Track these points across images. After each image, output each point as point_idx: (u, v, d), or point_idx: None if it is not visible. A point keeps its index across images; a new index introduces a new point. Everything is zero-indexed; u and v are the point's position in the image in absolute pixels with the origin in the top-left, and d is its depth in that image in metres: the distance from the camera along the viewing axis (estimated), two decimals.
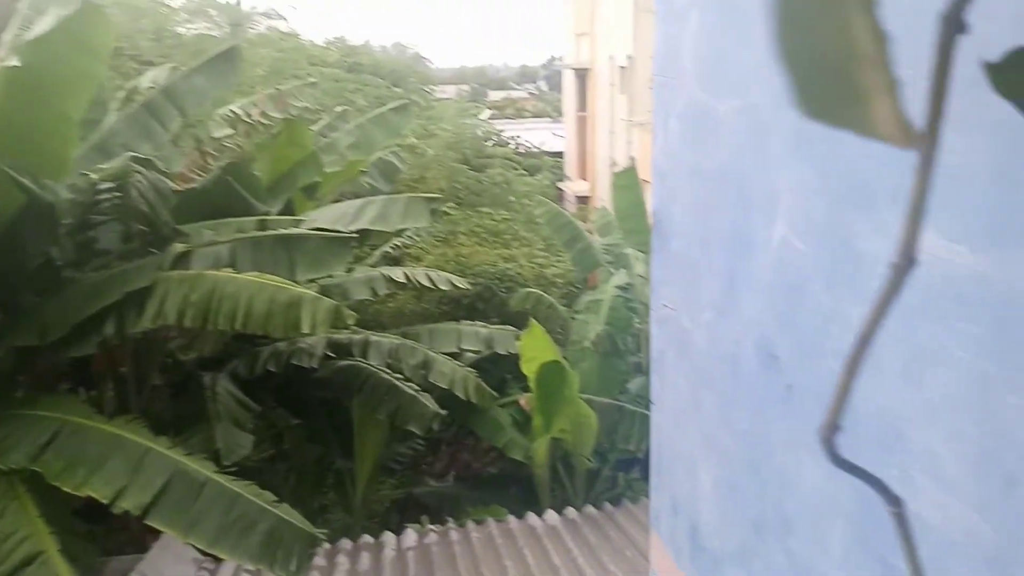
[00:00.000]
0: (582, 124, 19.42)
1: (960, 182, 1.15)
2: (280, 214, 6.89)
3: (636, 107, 14.18)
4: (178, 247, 5.63)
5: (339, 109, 8.87)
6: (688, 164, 2.90)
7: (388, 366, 6.93)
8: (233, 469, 4.88)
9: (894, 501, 0.65)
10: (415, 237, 9.31)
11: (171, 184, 5.97)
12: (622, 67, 15.38)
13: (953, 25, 0.27)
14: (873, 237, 1.50)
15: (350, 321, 5.17)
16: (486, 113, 22.69)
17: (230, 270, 5.29)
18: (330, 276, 6.48)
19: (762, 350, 2.26)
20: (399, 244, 9.06)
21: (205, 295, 4.98)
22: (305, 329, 4.87)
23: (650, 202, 3.52)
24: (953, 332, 1.39)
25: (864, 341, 0.35)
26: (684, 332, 3.10)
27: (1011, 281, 1.24)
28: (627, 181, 8.38)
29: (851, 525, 1.66)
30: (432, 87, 21.41)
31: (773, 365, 2.20)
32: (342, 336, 6.93)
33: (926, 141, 0.30)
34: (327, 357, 6.95)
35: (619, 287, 8.03)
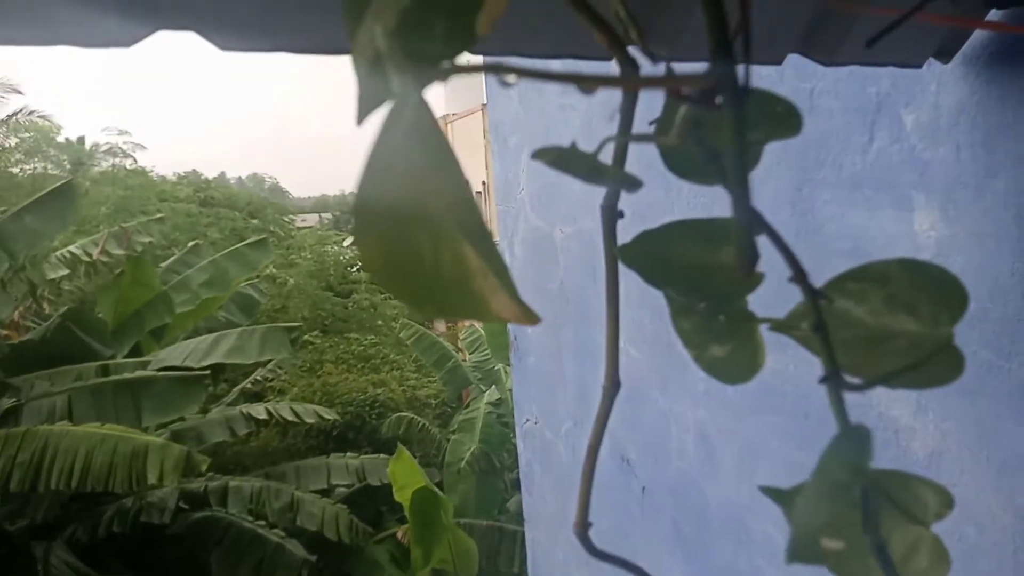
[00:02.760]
0: None
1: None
2: (127, 358, 6.46)
3: (495, 229, 14.78)
4: (4, 402, 5.10)
5: (191, 243, 8.62)
6: (535, 283, 3.05)
7: (250, 512, 6.44)
8: None
9: None
10: (277, 370, 8.97)
11: (1, 333, 5.48)
12: (478, 192, 16.15)
13: (611, 214, 0.35)
14: None
15: (204, 467, 4.82)
16: (349, 239, 22.78)
17: (66, 423, 4.84)
18: (182, 419, 6.06)
19: (616, 454, 2.34)
20: (260, 379, 8.68)
21: (35, 453, 4.50)
22: (152, 480, 4.49)
23: None
24: (770, 427, 1.52)
25: (592, 452, 0.40)
26: (548, 444, 3.15)
27: (807, 377, 1.40)
28: None
29: None
30: (292, 217, 21.34)
31: (627, 469, 2.28)
32: (197, 484, 6.41)
33: (610, 299, 0.36)
34: (180, 510, 6.37)
35: (491, 403, 8.05)
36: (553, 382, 2.84)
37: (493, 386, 8.39)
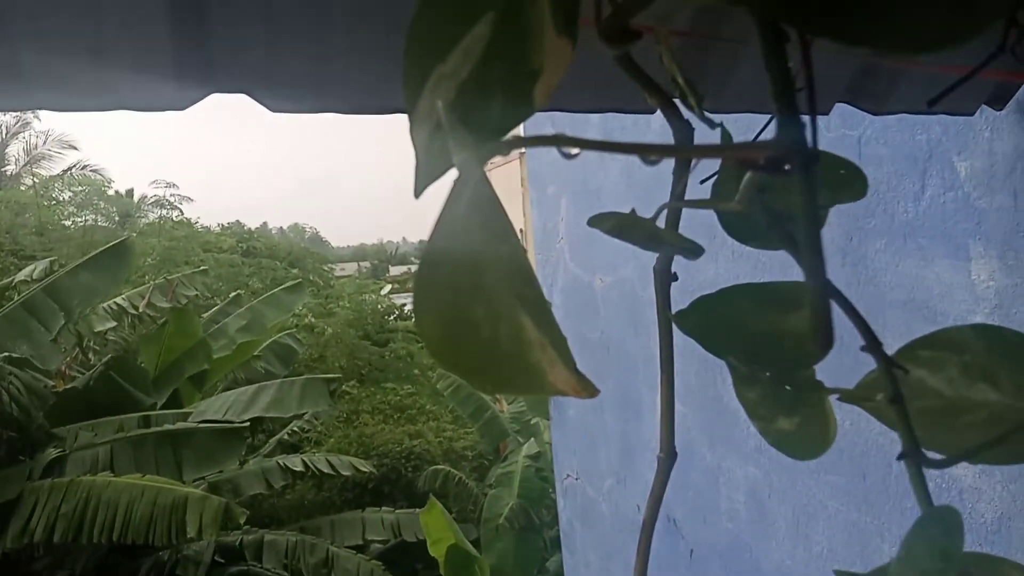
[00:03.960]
0: None
1: None
2: (166, 406, 6.54)
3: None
4: (51, 452, 5.19)
5: (233, 294, 8.80)
6: (574, 333, 3.02)
7: (285, 568, 6.38)
8: None
9: None
10: (314, 420, 9.00)
11: (49, 383, 5.61)
12: None
13: (665, 278, 0.33)
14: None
15: (242, 520, 4.81)
16: (387, 288, 23.05)
17: (108, 474, 4.90)
18: (220, 471, 6.08)
19: (663, 514, 2.26)
20: (297, 429, 8.71)
21: (79, 504, 4.55)
22: (191, 533, 4.49)
23: None
24: (826, 486, 1.45)
25: (648, 527, 0.37)
26: (589, 501, 3.07)
27: (870, 431, 1.34)
28: None
29: None
30: (331, 266, 21.72)
31: (674, 530, 2.20)
32: (233, 538, 6.39)
33: (665, 372, 0.35)
34: (216, 564, 6.35)
35: (529, 456, 7.92)
36: (594, 436, 2.78)
37: (532, 439, 8.27)
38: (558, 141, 0.24)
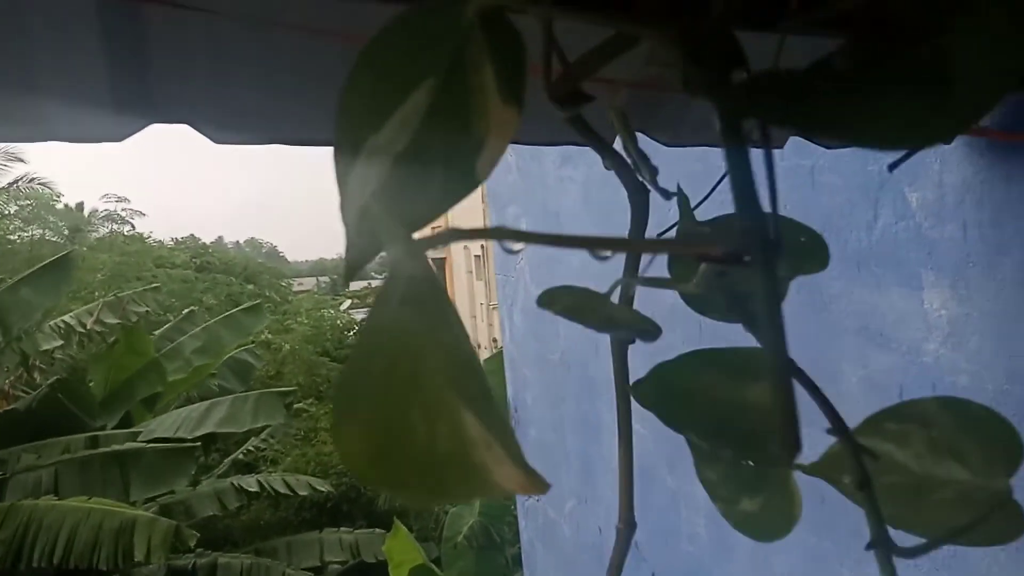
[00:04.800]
0: None
1: None
2: (116, 428, 6.33)
3: (493, 292, 14.81)
4: None
5: (186, 311, 8.57)
6: (535, 353, 3.01)
7: None
8: None
9: None
10: (270, 439, 8.79)
11: None
12: (476, 256, 16.22)
13: (621, 347, 0.31)
14: None
15: (192, 542, 4.66)
16: (346, 303, 22.78)
17: (52, 497, 4.70)
18: (171, 492, 5.90)
19: None
20: (253, 448, 8.50)
21: (19, 528, 4.35)
22: (139, 557, 4.33)
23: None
24: None
25: None
26: (550, 522, 3.05)
27: None
28: (494, 366, 8.47)
29: None
30: (288, 281, 21.38)
31: (635, 552, 2.18)
32: (185, 561, 6.19)
33: (623, 439, 0.33)
34: None
35: None
36: (555, 457, 2.76)
37: None
38: (499, 234, 0.22)
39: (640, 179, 0.33)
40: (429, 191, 0.26)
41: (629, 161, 0.32)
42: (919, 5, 0.18)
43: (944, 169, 1.23)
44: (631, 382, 0.36)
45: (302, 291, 23.99)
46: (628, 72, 0.60)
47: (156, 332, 7.96)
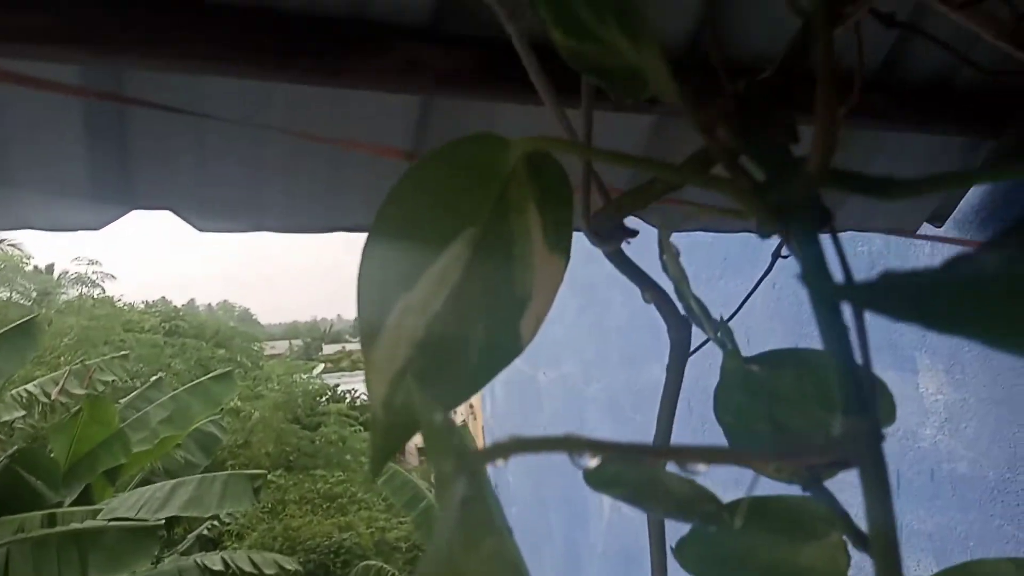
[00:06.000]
0: None
1: None
2: (77, 502, 6.04)
3: None
4: None
5: (154, 377, 8.34)
6: (516, 427, 2.93)
7: None
8: None
9: None
10: (235, 514, 8.46)
11: None
12: None
13: (660, 527, 0.28)
14: None
15: None
16: (319, 368, 22.40)
17: None
18: (132, 573, 5.60)
19: None
20: (217, 523, 8.16)
21: None
22: None
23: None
24: None
25: None
26: None
27: None
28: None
29: None
30: (261, 345, 21.03)
31: None
32: None
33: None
34: None
35: None
36: (538, 538, 2.66)
37: None
38: (569, 445, 0.18)
39: (682, 314, 0.30)
40: (467, 359, 0.23)
41: (678, 302, 0.29)
42: None
43: (935, 252, 1.23)
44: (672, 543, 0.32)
45: (274, 355, 23.60)
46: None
47: (122, 400, 7.71)
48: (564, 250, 0.24)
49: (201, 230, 0.81)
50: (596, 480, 0.23)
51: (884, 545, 0.20)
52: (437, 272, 0.23)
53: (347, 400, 16.59)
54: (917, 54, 0.94)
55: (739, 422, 0.30)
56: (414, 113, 0.77)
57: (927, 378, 1.28)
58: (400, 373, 0.22)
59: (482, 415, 3.45)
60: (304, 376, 17.17)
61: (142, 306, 18.57)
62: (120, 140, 0.74)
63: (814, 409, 0.32)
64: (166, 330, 15.92)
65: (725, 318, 0.37)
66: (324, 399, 15.75)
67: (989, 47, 0.73)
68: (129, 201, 0.80)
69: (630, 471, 0.24)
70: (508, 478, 2.98)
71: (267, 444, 12.04)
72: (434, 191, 0.24)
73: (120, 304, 17.09)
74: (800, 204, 0.21)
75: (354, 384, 19.60)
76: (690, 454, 0.19)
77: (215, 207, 0.79)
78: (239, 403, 12.63)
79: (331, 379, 19.62)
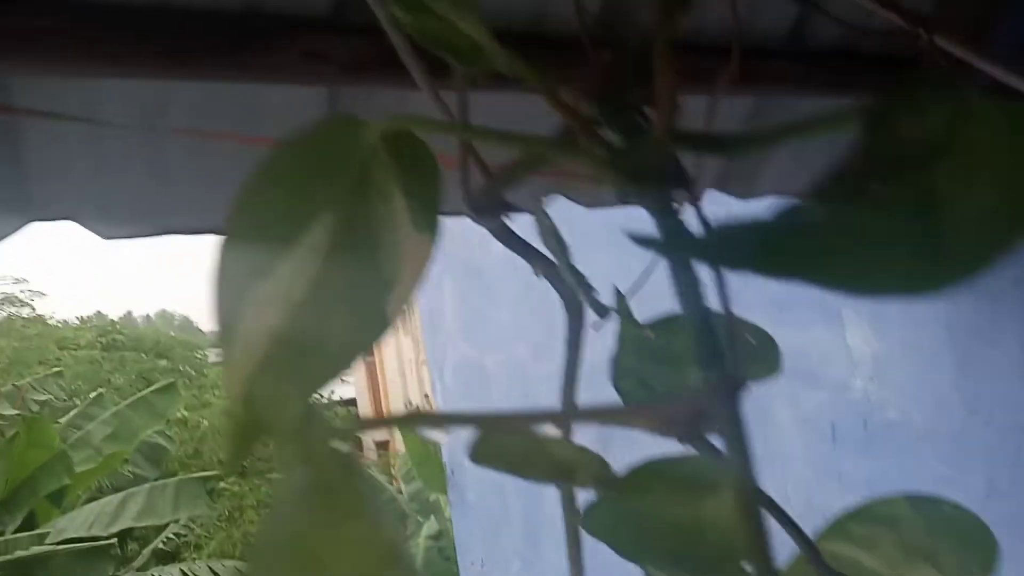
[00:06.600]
0: (371, 369, 19.48)
1: None
2: (20, 529, 5.81)
3: (421, 348, 14.60)
4: None
5: (93, 394, 8.05)
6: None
7: None
8: None
9: None
10: (192, 523, 8.27)
11: None
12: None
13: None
14: None
15: None
16: None
17: None
18: None
19: None
20: (173, 535, 7.96)
21: None
22: None
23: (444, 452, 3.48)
24: None
25: None
26: None
27: None
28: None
29: None
30: (204, 352, 20.49)
31: None
32: None
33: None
34: None
35: (430, 537, 7.61)
36: (497, 520, 2.67)
37: (431, 516, 7.97)
38: (417, 421, 0.18)
39: (574, 293, 0.30)
40: (331, 343, 0.22)
41: (564, 273, 0.29)
42: (902, 138, 0.15)
43: None
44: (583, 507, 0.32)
45: (220, 361, 23.00)
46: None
47: (62, 419, 7.43)
48: (431, 229, 0.24)
49: (106, 238, 0.79)
50: (479, 455, 0.23)
51: (743, 492, 0.20)
52: (294, 261, 0.22)
53: None
54: (823, 21, 0.96)
55: (634, 387, 0.30)
56: (321, 105, 0.75)
57: (853, 332, 1.33)
58: (259, 367, 0.22)
59: (435, 403, 3.44)
60: None
61: (76, 322, 17.88)
62: (13, 151, 0.71)
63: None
64: (103, 344, 15.35)
65: (622, 289, 0.37)
66: None
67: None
68: (26, 212, 0.76)
69: (513, 442, 0.24)
70: (463, 463, 2.99)
71: (219, 452, 11.77)
72: (289, 178, 0.24)
73: (52, 322, 16.44)
74: (652, 167, 0.21)
75: None
76: (554, 416, 0.19)
77: (119, 213, 0.76)
78: (186, 413, 12.28)
79: None
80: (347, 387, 22.09)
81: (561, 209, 1.30)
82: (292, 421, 0.19)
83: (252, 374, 0.22)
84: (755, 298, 1.42)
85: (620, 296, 0.32)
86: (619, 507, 0.31)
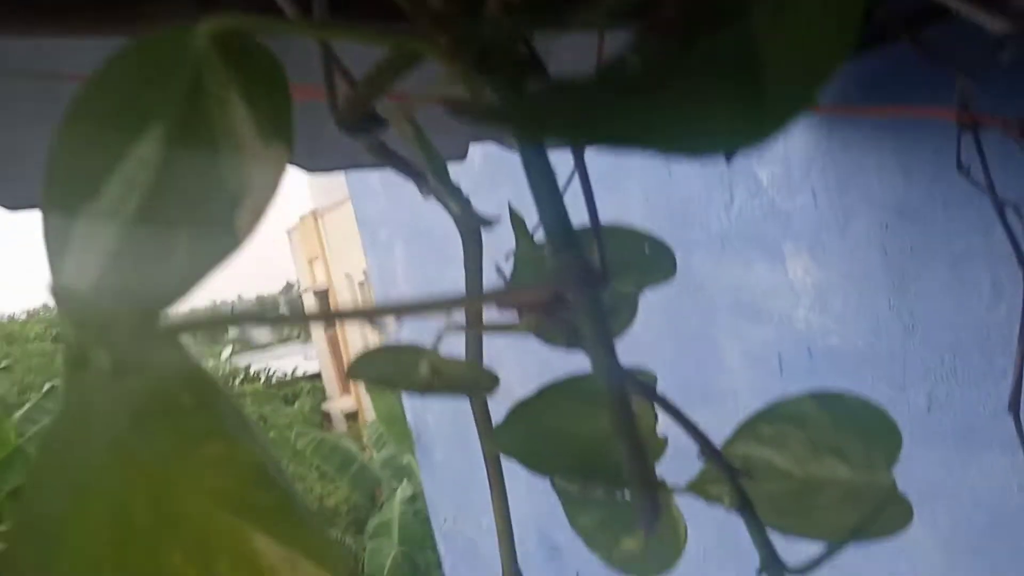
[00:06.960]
0: (334, 341, 19.35)
1: None
2: None
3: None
4: None
5: (47, 387, 7.85)
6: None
7: None
8: None
9: None
10: None
11: None
12: (360, 283, 15.86)
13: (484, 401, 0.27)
14: None
15: None
16: (227, 350, 21.63)
17: None
18: None
19: (544, 543, 2.23)
20: None
21: None
22: None
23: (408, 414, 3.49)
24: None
25: None
26: (470, 542, 2.99)
27: None
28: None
29: None
30: None
31: (557, 556, 2.17)
32: None
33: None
34: None
35: (405, 501, 7.68)
36: (464, 476, 2.70)
37: (405, 480, 8.03)
38: (293, 320, 0.17)
39: (461, 206, 0.29)
40: (174, 260, 0.21)
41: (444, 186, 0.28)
42: None
43: (788, 144, 1.28)
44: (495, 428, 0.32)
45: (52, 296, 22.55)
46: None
47: (17, 414, 7.25)
48: (283, 139, 0.23)
49: (11, 209, 0.75)
50: (359, 372, 0.22)
51: (605, 377, 0.20)
52: (124, 175, 0.21)
53: (262, 380, 16.18)
54: None
55: None
56: None
57: (794, 263, 1.35)
58: (93, 286, 0.20)
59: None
60: (212, 361, 16.57)
61: (23, 315, 17.35)
62: None
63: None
64: (54, 336, 14.94)
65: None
66: (238, 381, 15.30)
67: None
68: None
69: (395, 358, 0.23)
70: (428, 421, 3.00)
71: None
72: (116, 91, 0.22)
73: None
74: (496, 50, 0.20)
75: (267, 362, 19.13)
76: (425, 307, 0.18)
77: (21, 183, 0.73)
78: None
79: (242, 360, 19.08)
80: (311, 362, 21.92)
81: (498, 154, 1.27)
82: (129, 340, 0.18)
83: (86, 293, 0.20)
84: (699, 237, 1.44)
85: (516, 216, 0.31)
86: (527, 424, 0.31)
